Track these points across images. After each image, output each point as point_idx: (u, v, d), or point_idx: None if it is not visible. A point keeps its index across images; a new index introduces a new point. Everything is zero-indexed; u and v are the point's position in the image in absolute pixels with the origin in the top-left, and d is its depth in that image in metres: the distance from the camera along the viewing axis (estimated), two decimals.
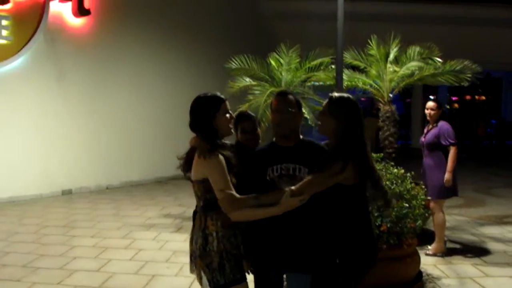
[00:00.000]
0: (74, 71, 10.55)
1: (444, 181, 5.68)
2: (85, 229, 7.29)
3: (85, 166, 10.69)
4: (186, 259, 5.72)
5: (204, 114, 2.78)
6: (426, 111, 5.85)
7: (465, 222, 7.79)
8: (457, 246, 6.41)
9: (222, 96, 2.86)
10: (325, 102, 2.87)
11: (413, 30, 7.70)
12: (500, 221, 7.91)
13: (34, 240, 6.66)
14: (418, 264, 4.95)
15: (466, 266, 5.63)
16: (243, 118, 3.45)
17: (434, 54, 6.41)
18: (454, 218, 7.74)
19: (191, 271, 2.91)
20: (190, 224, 7.36)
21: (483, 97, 28.94)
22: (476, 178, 12.23)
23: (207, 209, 2.76)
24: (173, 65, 12.76)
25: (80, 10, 10.46)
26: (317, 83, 7.29)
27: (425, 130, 5.98)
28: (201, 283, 2.82)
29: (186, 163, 2.83)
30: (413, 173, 5.07)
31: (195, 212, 2.94)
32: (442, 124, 5.80)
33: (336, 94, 2.85)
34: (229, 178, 2.65)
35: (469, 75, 6.35)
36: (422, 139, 5.96)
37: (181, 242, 6.57)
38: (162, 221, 7.87)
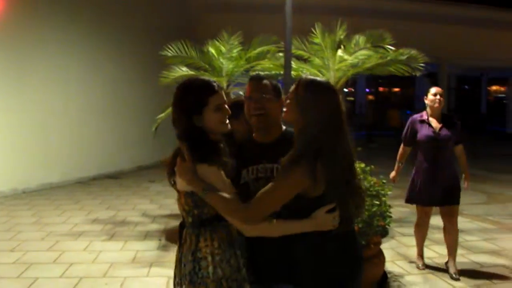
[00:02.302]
0: None
1: (465, 185, 5.09)
2: (2, 241, 6.35)
3: None
4: (126, 272, 5.25)
5: (185, 110, 2.18)
6: (433, 98, 5.00)
7: (409, 213, 7.73)
8: (409, 239, 6.29)
9: (214, 86, 2.23)
10: (293, 85, 2.30)
11: (362, 23, 7.46)
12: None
13: None
14: (384, 264, 4.73)
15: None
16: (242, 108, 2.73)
17: (385, 42, 6.18)
18: (396, 209, 7.69)
19: None
20: (123, 229, 6.96)
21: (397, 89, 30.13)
22: (409, 168, 12.42)
23: (198, 226, 2.21)
24: (99, 57, 11.89)
25: None
26: (262, 73, 6.88)
27: (425, 119, 5.07)
28: None
29: (171, 165, 2.22)
30: (373, 166, 4.78)
31: (182, 226, 2.33)
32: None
33: (308, 77, 2.30)
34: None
35: (422, 65, 6.20)
36: (430, 133, 4.99)
37: (117, 252, 5.94)
38: (91, 228, 7.09)
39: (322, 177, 2.11)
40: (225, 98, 2.27)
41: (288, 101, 2.27)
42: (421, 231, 5.41)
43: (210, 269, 2.15)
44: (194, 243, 2.19)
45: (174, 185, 2.26)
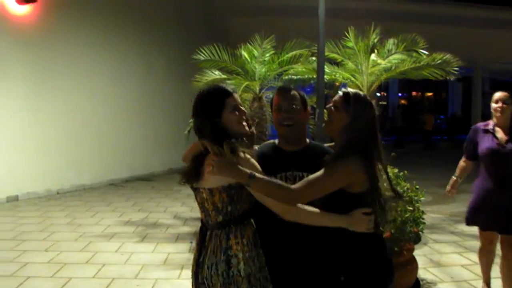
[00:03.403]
0: (17, 66, 9.60)
1: None
2: (37, 241, 6.50)
3: (32, 169, 9.79)
4: (158, 274, 5.30)
5: (207, 115, 2.28)
6: (495, 105, 4.19)
7: (440, 220, 7.70)
8: (442, 246, 6.21)
9: (228, 88, 2.36)
10: (337, 97, 2.46)
11: (395, 27, 7.40)
12: None
13: None
14: (417, 271, 4.65)
15: (457, 268, 5.48)
16: None
17: (418, 46, 6.10)
18: (428, 215, 7.59)
19: None
20: (155, 232, 7.02)
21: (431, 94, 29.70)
22: (439, 174, 12.22)
23: (230, 224, 2.25)
24: (129, 61, 12.08)
25: None
26: (295, 77, 6.88)
27: (490, 129, 4.23)
28: None
29: (193, 169, 2.27)
30: (406, 172, 4.72)
31: (204, 230, 2.37)
32: None
33: (351, 90, 2.47)
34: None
35: (456, 69, 6.09)
36: (494, 145, 4.14)
37: (149, 254, 6.00)
38: (123, 230, 7.18)
39: (366, 175, 2.27)
40: (239, 100, 2.38)
41: (336, 109, 2.43)
42: (484, 256, 4.54)
43: (241, 265, 2.19)
44: (224, 242, 2.23)
45: (196, 189, 2.33)
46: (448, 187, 4.74)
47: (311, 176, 2.27)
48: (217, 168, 2.14)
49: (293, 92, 2.65)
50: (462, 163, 4.62)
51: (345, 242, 2.34)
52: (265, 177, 2.18)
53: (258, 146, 2.81)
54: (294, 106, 2.58)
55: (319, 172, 2.27)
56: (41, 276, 5.18)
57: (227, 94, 2.31)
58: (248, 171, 2.13)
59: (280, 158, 2.61)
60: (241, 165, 2.15)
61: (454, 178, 4.70)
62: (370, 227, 2.29)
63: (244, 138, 2.37)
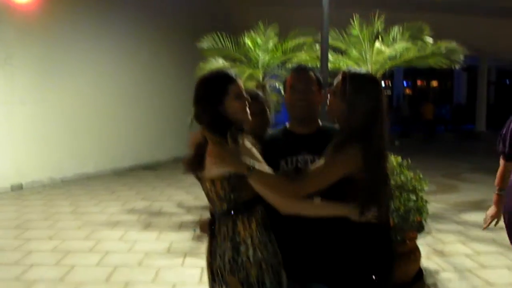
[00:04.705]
0: (21, 55, 9.59)
1: None
2: (41, 230, 6.52)
3: (36, 157, 9.83)
4: (161, 262, 5.30)
5: (208, 102, 2.19)
6: None
7: (444, 209, 7.68)
8: (445, 235, 6.20)
9: (231, 74, 2.26)
10: (336, 79, 2.35)
11: (400, 15, 7.28)
12: (478, 206, 7.84)
13: None
14: (419, 260, 4.64)
15: (460, 257, 5.45)
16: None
17: (424, 35, 6.04)
18: (432, 205, 7.58)
19: None
20: (158, 220, 7.02)
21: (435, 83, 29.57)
22: (443, 163, 12.22)
23: (235, 211, 2.20)
24: (133, 49, 12.05)
25: None
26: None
27: None
28: None
29: (196, 159, 2.22)
30: (409, 161, 4.69)
31: (212, 222, 2.33)
32: None
33: (351, 70, 2.35)
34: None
35: (461, 57, 6.04)
36: None
37: (152, 242, 6.02)
38: (127, 218, 7.20)
39: (364, 165, 2.18)
40: (243, 86, 2.29)
41: (333, 93, 2.33)
42: None
43: (250, 251, 2.15)
44: (231, 229, 2.19)
45: (200, 179, 2.28)
46: (492, 209, 3.49)
47: (311, 169, 2.23)
48: (218, 159, 2.09)
49: (310, 72, 2.58)
50: (501, 168, 3.42)
51: (347, 231, 2.29)
52: (265, 169, 2.14)
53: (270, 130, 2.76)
54: (309, 87, 2.53)
55: (319, 164, 2.20)
56: (45, 264, 5.20)
57: (231, 80, 2.22)
58: (248, 162, 2.08)
59: (291, 141, 2.54)
60: (241, 154, 2.10)
61: (496, 193, 3.46)
62: (371, 216, 2.22)
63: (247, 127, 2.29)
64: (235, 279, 2.15)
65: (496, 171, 3.49)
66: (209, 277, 2.32)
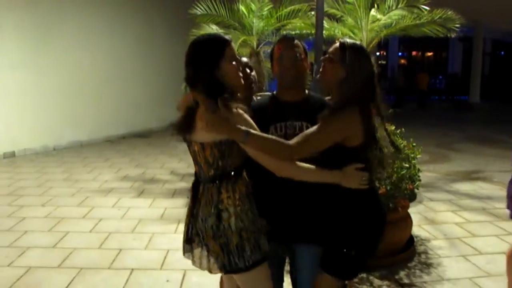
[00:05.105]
0: (12, 21, 9.42)
1: None
2: (34, 197, 6.53)
3: (29, 125, 9.76)
4: (154, 229, 5.33)
5: (204, 64, 2.12)
6: None
7: (436, 179, 7.73)
8: (436, 204, 6.26)
9: (226, 37, 2.22)
10: (332, 47, 2.39)
11: None
12: (469, 176, 7.93)
13: None
14: (411, 228, 4.68)
15: (451, 226, 5.51)
16: None
17: (420, 2, 5.94)
18: (424, 174, 7.64)
19: (186, 254, 2.35)
20: (151, 187, 7.05)
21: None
22: (436, 133, 12.26)
23: (221, 179, 2.20)
24: (127, 16, 11.90)
25: None
26: (293, 32, 6.74)
27: None
28: (207, 267, 2.26)
29: (186, 122, 2.20)
30: (403, 129, 4.69)
31: (196, 184, 2.34)
32: None
33: (348, 40, 2.39)
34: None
35: (458, 25, 5.97)
36: None
37: (146, 209, 6.04)
38: (120, 185, 7.21)
39: (362, 127, 2.25)
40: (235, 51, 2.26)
41: (331, 60, 2.36)
42: None
43: (232, 220, 2.16)
44: (215, 196, 2.19)
45: (188, 142, 2.26)
46: None
47: (308, 131, 2.25)
48: (211, 125, 2.06)
49: (296, 41, 2.57)
50: None
51: (338, 197, 2.35)
52: (260, 133, 2.14)
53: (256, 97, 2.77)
54: (297, 54, 2.52)
55: (316, 127, 2.23)
56: (39, 231, 5.22)
57: (227, 42, 2.18)
58: (243, 128, 2.07)
59: (279, 108, 2.56)
60: (234, 121, 2.08)
61: None
62: (363, 183, 2.28)
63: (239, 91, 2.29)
64: (216, 244, 2.17)
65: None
66: (185, 236, 2.34)
